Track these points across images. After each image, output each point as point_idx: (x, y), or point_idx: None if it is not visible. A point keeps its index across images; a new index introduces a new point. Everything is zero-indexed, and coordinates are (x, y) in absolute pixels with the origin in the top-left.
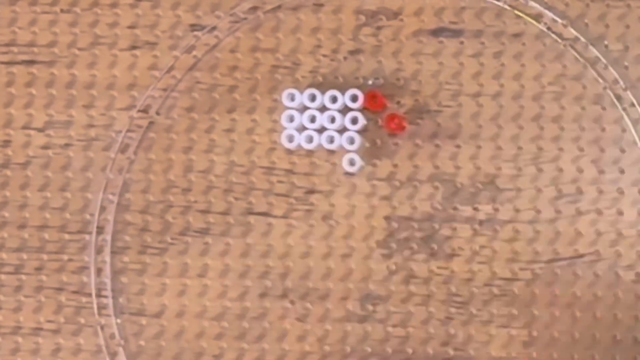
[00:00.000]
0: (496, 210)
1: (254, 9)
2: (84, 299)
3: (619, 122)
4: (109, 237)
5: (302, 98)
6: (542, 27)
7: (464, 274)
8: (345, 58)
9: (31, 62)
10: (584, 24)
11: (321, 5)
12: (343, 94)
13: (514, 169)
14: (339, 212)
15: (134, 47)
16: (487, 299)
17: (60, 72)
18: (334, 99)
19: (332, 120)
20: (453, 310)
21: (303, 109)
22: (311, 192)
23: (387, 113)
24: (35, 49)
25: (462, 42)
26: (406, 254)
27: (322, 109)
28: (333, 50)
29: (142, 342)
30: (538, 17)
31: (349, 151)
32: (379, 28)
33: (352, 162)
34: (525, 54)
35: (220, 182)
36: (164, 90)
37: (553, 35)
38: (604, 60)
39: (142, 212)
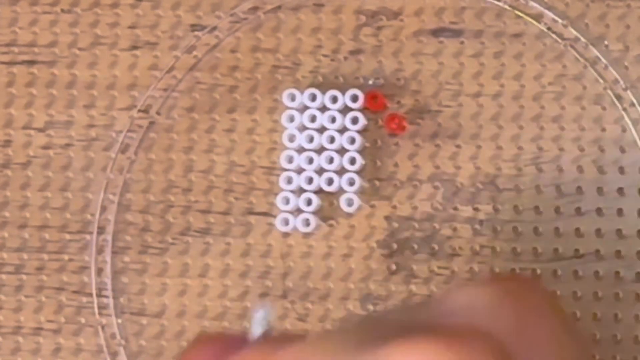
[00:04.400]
0: (496, 210)
1: (255, 9)
2: (84, 299)
3: (619, 122)
4: (109, 237)
5: (303, 98)
6: (542, 27)
7: (464, 274)
8: (345, 58)
9: (32, 62)
10: (584, 24)
11: (321, 5)
12: (343, 94)
13: (514, 169)
14: (340, 212)
15: (134, 47)
16: None
17: (60, 72)
18: (334, 99)
19: (333, 120)
20: None
21: (303, 108)
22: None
23: (388, 113)
24: (36, 49)
25: (462, 42)
26: (407, 254)
27: (323, 109)
28: (333, 50)
29: (142, 342)
30: (538, 17)
31: (348, 151)
32: (379, 28)
33: (352, 162)
34: (525, 54)
35: (220, 182)
36: (165, 90)
37: (553, 35)
38: (604, 60)
39: (143, 212)
